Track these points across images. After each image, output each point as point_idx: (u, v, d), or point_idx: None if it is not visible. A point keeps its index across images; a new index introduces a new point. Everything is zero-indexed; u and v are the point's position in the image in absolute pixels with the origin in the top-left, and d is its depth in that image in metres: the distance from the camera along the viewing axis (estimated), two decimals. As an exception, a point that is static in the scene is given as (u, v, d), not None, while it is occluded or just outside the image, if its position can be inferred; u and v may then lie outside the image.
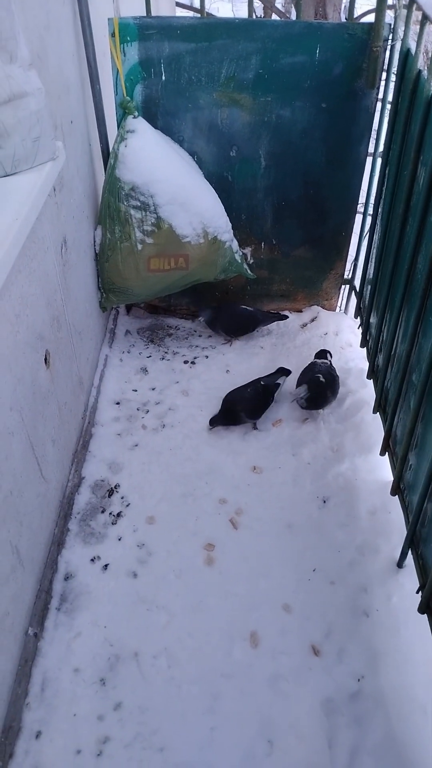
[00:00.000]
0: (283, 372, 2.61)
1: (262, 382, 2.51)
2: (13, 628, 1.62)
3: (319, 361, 2.59)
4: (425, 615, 1.68)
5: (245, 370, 2.74)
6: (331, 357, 2.66)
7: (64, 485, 2.12)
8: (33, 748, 1.58)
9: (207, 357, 2.85)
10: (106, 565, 1.99)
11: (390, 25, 2.22)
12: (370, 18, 3.17)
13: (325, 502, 2.21)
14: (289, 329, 3.00)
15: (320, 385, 2.45)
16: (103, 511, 2.15)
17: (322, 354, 2.64)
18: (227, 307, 2.91)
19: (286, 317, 2.95)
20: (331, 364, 2.60)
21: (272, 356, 2.84)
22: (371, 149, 2.59)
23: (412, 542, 1.83)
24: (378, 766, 1.59)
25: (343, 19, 6.84)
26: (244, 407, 2.44)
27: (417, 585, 1.75)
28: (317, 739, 1.63)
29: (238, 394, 2.47)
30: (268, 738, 1.63)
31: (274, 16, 8.32)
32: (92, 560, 2.00)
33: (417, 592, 1.75)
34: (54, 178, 1.70)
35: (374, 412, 2.35)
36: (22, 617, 1.69)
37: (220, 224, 2.52)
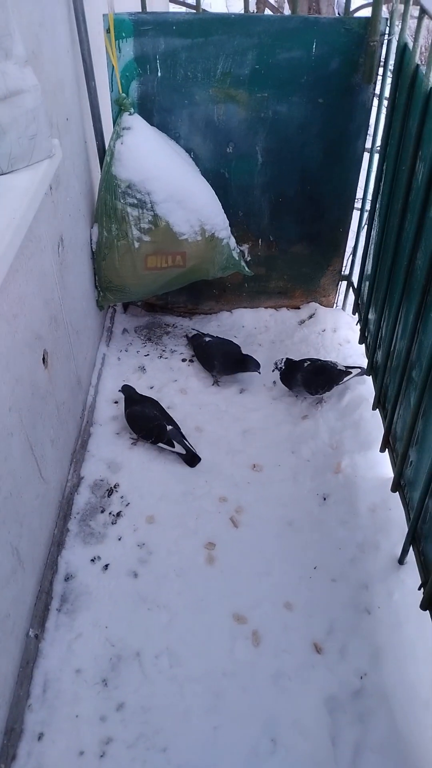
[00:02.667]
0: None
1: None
2: (14, 630, 1.61)
3: (330, 360, 2.58)
4: (427, 612, 1.68)
5: (243, 367, 2.72)
6: (346, 370, 2.55)
7: (63, 485, 2.11)
8: (35, 749, 1.57)
9: (205, 355, 2.83)
10: (106, 565, 1.98)
11: (387, 19, 2.21)
12: (366, 12, 3.16)
13: (325, 499, 2.20)
14: (286, 326, 2.99)
15: (297, 367, 2.49)
16: (102, 511, 2.14)
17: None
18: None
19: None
20: (339, 369, 2.52)
21: (270, 353, 2.83)
22: (368, 145, 2.58)
23: (413, 539, 1.83)
24: (382, 763, 1.59)
25: (337, 14, 6.81)
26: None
27: (418, 582, 1.75)
28: (321, 737, 1.63)
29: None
30: (272, 736, 1.62)
31: (267, 11, 8.27)
32: (92, 560, 1.99)
33: (419, 589, 1.75)
34: (51, 177, 1.69)
35: (373, 408, 2.35)
36: (22, 619, 1.68)
37: (218, 221, 2.51)
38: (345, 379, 2.51)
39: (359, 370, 2.53)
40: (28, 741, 1.58)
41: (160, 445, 2.31)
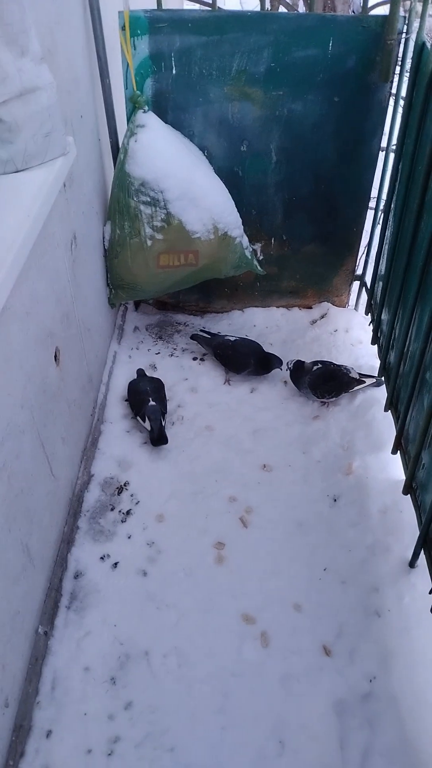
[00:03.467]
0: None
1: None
2: (24, 627, 1.62)
3: (345, 366, 2.55)
4: (438, 616, 1.67)
5: (255, 366, 2.72)
6: (359, 378, 2.52)
7: (73, 483, 2.11)
8: (43, 747, 1.57)
9: (216, 353, 2.82)
10: (115, 563, 1.98)
11: (405, 17, 2.18)
12: (383, 10, 3.14)
13: (335, 500, 2.19)
14: (298, 326, 2.98)
15: (306, 370, 2.48)
16: (112, 509, 2.14)
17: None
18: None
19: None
20: (351, 376, 2.50)
21: (282, 352, 2.81)
22: (383, 144, 2.56)
23: (425, 542, 1.81)
24: (390, 768, 1.58)
25: (352, 12, 6.77)
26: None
27: (429, 585, 1.74)
28: (329, 740, 1.62)
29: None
30: (280, 738, 1.62)
31: (282, 8, 8.23)
32: (102, 558, 1.99)
33: (430, 593, 1.73)
34: (65, 174, 1.69)
35: (385, 410, 2.33)
36: (32, 615, 1.69)
37: (231, 220, 2.49)
38: (356, 387, 2.49)
39: (374, 380, 2.51)
40: (36, 738, 1.58)
41: (138, 419, 2.38)
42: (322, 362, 2.55)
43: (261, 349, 2.69)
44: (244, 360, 2.64)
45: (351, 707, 1.68)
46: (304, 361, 2.56)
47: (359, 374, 2.52)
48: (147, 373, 2.63)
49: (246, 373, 2.66)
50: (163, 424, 2.35)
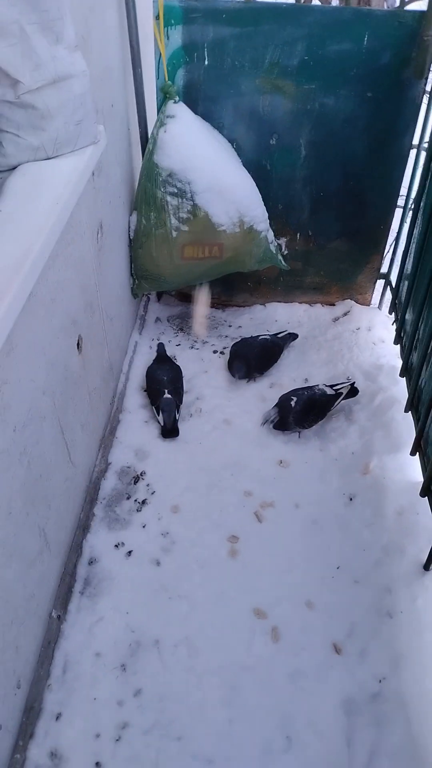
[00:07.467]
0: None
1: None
2: (38, 610, 1.64)
3: (318, 386, 2.44)
4: (451, 620, 1.65)
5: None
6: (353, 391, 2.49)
7: (91, 470, 2.13)
8: (53, 729, 1.59)
9: (237, 347, 2.82)
10: (129, 552, 1.99)
11: (442, 13, 2.15)
12: (418, 6, 3.09)
13: (351, 499, 2.18)
14: (320, 322, 2.96)
15: (286, 409, 2.33)
16: (128, 498, 2.16)
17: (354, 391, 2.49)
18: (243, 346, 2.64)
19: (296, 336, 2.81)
20: (334, 392, 2.41)
21: (302, 349, 2.81)
22: (415, 141, 2.52)
23: (440, 546, 1.80)
24: (396, 769, 1.57)
25: (386, 7, 6.67)
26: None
27: (444, 589, 1.73)
28: (336, 738, 1.62)
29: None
30: (287, 734, 1.62)
31: (316, 1, 8.13)
32: (116, 546, 2.01)
33: (444, 597, 1.72)
34: (95, 163, 1.69)
35: (406, 411, 2.31)
36: (46, 599, 1.71)
37: (257, 213, 2.48)
38: (336, 405, 2.40)
39: (349, 387, 2.44)
40: (46, 720, 1.60)
41: (154, 409, 2.41)
42: (294, 393, 2.39)
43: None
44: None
45: (359, 706, 1.67)
46: (286, 405, 2.36)
47: (334, 388, 2.43)
48: (167, 352, 2.64)
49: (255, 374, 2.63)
50: (177, 416, 2.37)
